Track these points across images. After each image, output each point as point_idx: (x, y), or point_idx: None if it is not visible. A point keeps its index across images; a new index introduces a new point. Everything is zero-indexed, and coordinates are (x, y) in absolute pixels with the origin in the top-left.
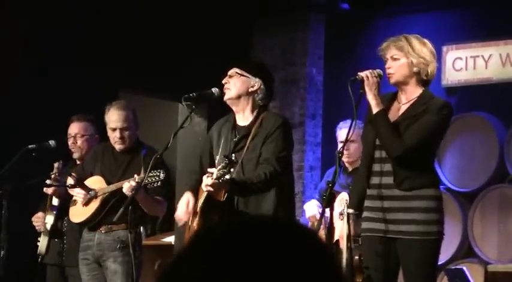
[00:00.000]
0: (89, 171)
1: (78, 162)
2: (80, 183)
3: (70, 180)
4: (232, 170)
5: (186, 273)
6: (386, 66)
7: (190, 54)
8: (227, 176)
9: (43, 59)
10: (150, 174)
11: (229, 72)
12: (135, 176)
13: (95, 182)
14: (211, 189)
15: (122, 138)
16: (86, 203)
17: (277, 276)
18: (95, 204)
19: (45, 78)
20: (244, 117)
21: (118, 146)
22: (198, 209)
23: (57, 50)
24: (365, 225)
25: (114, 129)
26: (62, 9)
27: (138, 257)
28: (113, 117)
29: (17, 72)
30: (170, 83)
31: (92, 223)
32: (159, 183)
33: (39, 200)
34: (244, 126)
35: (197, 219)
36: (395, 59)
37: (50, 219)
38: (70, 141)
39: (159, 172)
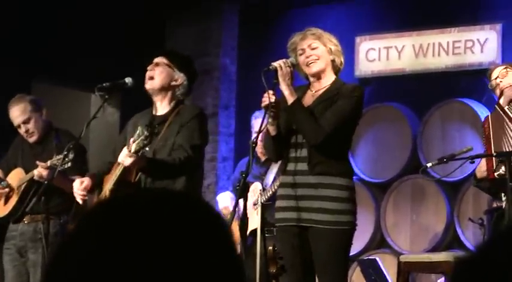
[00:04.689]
0: (13, 163)
1: None
2: None
3: None
4: (151, 142)
5: (77, 249)
6: (306, 54)
7: (104, 45)
8: (147, 148)
9: None
10: (58, 157)
11: (157, 60)
12: (48, 162)
13: (16, 175)
14: (128, 161)
15: (27, 131)
16: (7, 197)
17: (168, 243)
18: (15, 197)
19: None
20: (161, 107)
21: (30, 140)
22: (108, 191)
23: None
24: (278, 215)
25: (18, 126)
26: None
27: None
28: (12, 115)
29: None
30: (83, 73)
31: (16, 216)
32: (69, 164)
33: None
34: (160, 115)
35: None
36: (314, 48)
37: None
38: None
39: (68, 153)
